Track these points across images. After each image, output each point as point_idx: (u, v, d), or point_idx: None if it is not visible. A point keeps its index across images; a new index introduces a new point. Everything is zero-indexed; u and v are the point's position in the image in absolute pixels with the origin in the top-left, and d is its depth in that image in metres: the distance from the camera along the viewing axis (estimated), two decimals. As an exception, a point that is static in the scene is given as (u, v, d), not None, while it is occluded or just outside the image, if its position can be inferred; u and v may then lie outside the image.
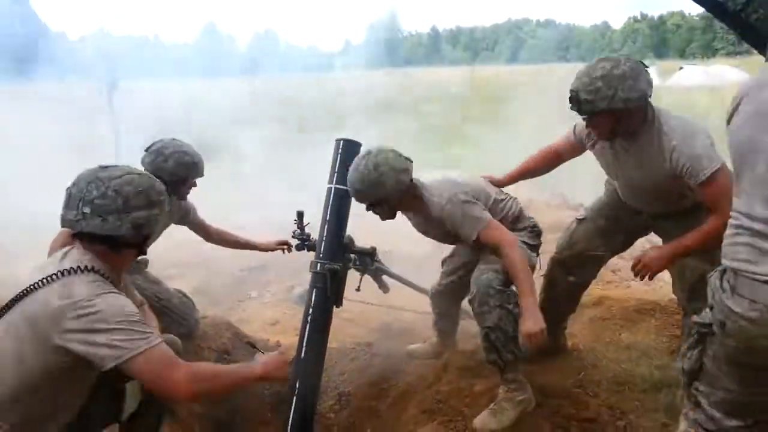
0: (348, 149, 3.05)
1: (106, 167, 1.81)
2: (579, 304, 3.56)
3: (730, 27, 3.03)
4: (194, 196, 3.18)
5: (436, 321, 3.35)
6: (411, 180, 2.66)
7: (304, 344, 2.87)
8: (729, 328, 1.57)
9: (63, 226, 1.82)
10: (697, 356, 1.74)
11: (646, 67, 2.41)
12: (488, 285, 2.56)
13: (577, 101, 2.37)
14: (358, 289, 3.48)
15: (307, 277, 2.99)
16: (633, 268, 2.52)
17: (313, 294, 2.94)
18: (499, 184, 2.99)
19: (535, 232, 2.85)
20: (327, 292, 2.89)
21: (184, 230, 3.37)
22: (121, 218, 1.74)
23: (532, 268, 2.72)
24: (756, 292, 1.47)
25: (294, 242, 3.36)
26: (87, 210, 1.72)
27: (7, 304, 1.71)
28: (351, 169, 2.63)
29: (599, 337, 3.19)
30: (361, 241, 3.24)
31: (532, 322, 2.41)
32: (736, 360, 1.61)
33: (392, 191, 2.59)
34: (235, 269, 4.38)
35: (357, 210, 2.95)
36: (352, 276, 3.21)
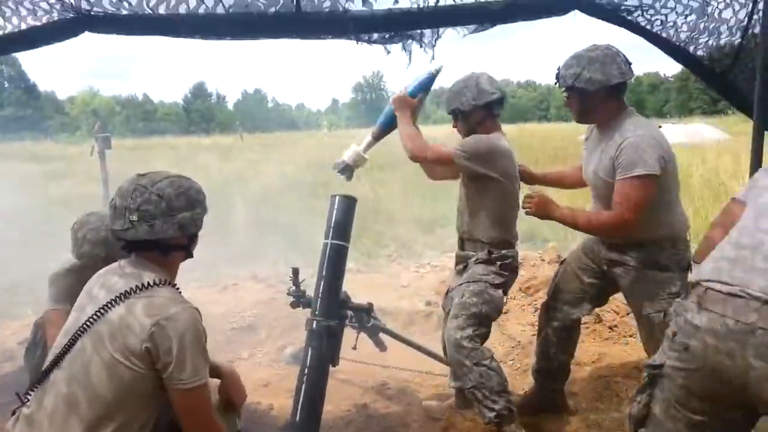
0: (344, 205, 3.05)
1: (144, 174, 1.84)
2: (578, 362, 3.52)
3: (715, 89, 3.12)
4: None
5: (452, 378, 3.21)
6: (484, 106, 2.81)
7: (299, 407, 2.77)
8: (693, 349, 1.58)
9: (113, 237, 1.88)
10: (646, 401, 1.77)
11: (629, 63, 2.51)
12: (457, 344, 2.60)
13: (556, 75, 2.60)
14: (354, 348, 3.39)
15: (299, 335, 2.93)
16: (523, 202, 2.68)
17: (309, 353, 2.85)
18: (532, 177, 3.14)
19: (505, 265, 2.81)
20: (323, 351, 2.82)
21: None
22: (167, 221, 1.78)
23: (498, 312, 2.78)
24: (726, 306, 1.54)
25: (289, 299, 3.28)
26: (134, 218, 1.76)
27: (90, 320, 1.71)
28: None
29: (601, 396, 3.10)
30: (355, 297, 3.20)
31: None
32: (690, 393, 1.63)
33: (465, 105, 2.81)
34: (225, 328, 4.26)
35: (350, 266, 2.93)
36: (348, 334, 3.14)
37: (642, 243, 2.58)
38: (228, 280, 5.02)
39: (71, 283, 2.77)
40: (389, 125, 3.02)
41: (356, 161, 3.03)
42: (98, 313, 1.69)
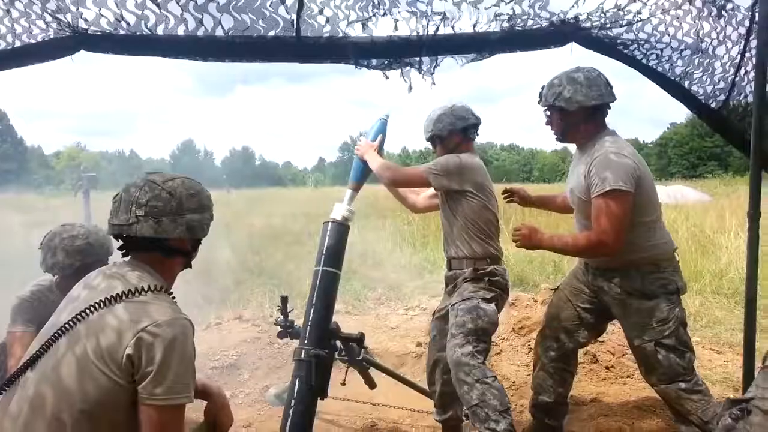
0: (336, 232, 2.98)
1: (155, 172, 1.75)
2: (576, 402, 3.40)
3: (710, 125, 3.15)
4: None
5: (437, 409, 3.07)
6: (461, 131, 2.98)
7: (286, 441, 2.61)
8: None
9: (111, 233, 1.72)
10: None
11: (610, 86, 2.57)
12: (459, 361, 2.58)
13: (539, 94, 2.68)
14: (343, 383, 3.24)
15: (284, 376, 2.79)
16: (512, 235, 2.66)
17: (296, 384, 2.71)
18: (526, 199, 3.21)
19: (494, 281, 2.82)
20: (311, 381, 2.68)
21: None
22: (175, 220, 1.68)
23: (494, 325, 2.75)
24: None
25: (274, 338, 3.16)
26: (141, 213, 1.64)
27: (70, 322, 1.57)
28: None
29: (602, 435, 2.98)
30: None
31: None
32: None
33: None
34: (206, 367, 4.08)
35: (339, 307, 2.83)
36: (336, 372, 3.01)
37: (624, 268, 2.55)
38: (211, 320, 4.85)
39: (35, 306, 2.64)
40: (363, 173, 3.14)
41: (345, 217, 3.02)
42: (79, 316, 1.55)
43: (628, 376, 3.75)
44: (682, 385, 2.49)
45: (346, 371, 3.25)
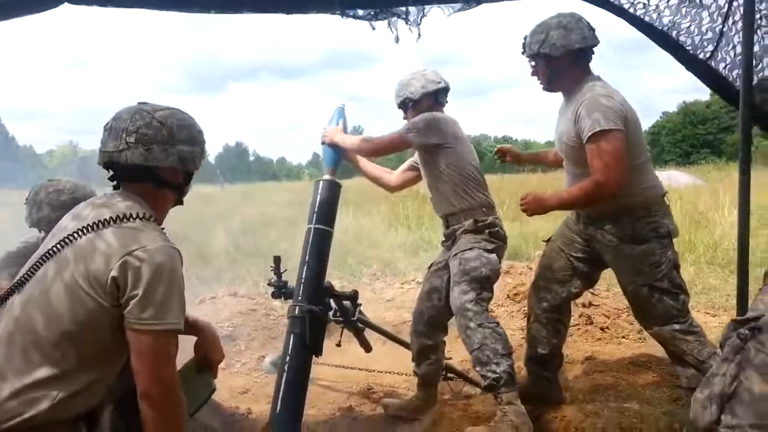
0: (328, 189, 2.97)
1: (146, 102, 1.72)
2: (570, 360, 3.40)
3: (699, 76, 3.13)
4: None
5: (416, 362, 3.08)
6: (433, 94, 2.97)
7: (280, 397, 2.60)
8: None
9: (101, 161, 1.68)
10: (735, 371, 1.35)
11: (592, 29, 2.58)
12: (462, 307, 2.61)
13: (522, 45, 2.66)
14: (338, 345, 3.24)
15: (279, 345, 2.78)
16: (520, 205, 2.60)
17: (291, 341, 2.70)
18: (519, 156, 3.23)
19: (494, 233, 2.82)
20: (306, 337, 2.67)
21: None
22: (166, 149, 1.64)
23: (496, 273, 2.78)
24: None
25: (270, 290, 3.14)
26: (131, 140, 1.61)
27: (58, 244, 1.55)
28: None
29: (597, 388, 2.98)
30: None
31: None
32: None
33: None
34: (201, 338, 4.06)
35: (334, 283, 2.84)
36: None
37: (616, 215, 2.55)
38: (206, 295, 4.83)
39: (20, 261, 2.60)
40: (337, 158, 3.15)
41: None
42: (66, 240, 1.54)
43: (623, 337, 3.76)
44: (677, 326, 2.50)
45: (341, 333, 3.24)
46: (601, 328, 3.83)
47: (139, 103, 1.70)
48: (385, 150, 3.10)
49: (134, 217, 1.57)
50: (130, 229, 1.54)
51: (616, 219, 2.54)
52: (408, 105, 3.01)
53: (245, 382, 3.64)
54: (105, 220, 1.54)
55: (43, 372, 1.44)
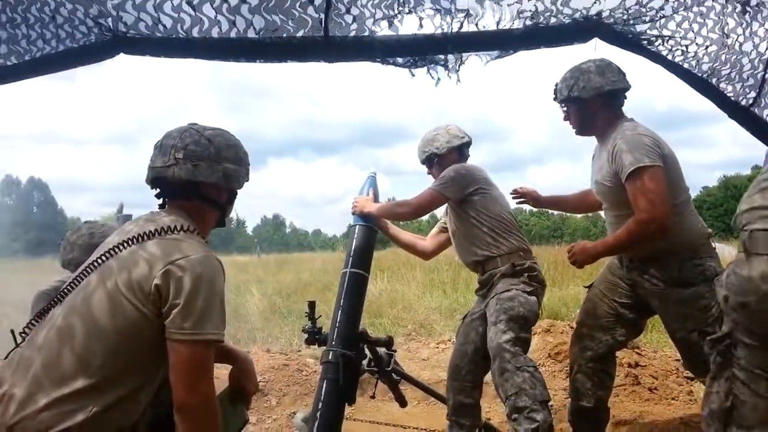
0: (364, 234, 2.96)
1: (196, 123, 1.79)
2: (617, 421, 3.21)
3: (741, 123, 3.09)
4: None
5: (450, 420, 2.94)
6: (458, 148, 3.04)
7: (312, 444, 2.50)
8: (752, 305, 1.36)
9: (148, 179, 1.73)
10: (726, 388, 1.46)
11: (622, 72, 2.64)
12: (500, 348, 2.51)
13: (554, 91, 2.71)
14: (373, 396, 3.14)
15: (312, 402, 2.71)
16: (568, 258, 2.59)
17: (323, 387, 2.63)
18: (538, 200, 3.17)
19: (532, 276, 2.78)
20: (339, 382, 2.59)
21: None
22: (212, 166, 1.69)
23: (535, 315, 2.71)
24: None
25: (303, 344, 3.09)
26: (180, 155, 1.66)
27: (102, 256, 1.57)
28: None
29: (647, 449, 2.78)
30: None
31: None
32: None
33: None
34: (233, 392, 3.98)
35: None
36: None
37: (660, 257, 2.46)
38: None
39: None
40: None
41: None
42: (110, 252, 1.56)
43: (673, 398, 3.55)
44: None
45: (376, 383, 3.14)
46: (649, 389, 3.62)
47: (189, 124, 1.76)
48: (423, 209, 3.03)
49: (178, 229, 1.58)
50: (173, 240, 1.56)
51: (661, 262, 2.45)
52: (433, 160, 3.05)
53: (276, 438, 3.53)
54: (149, 232, 1.57)
55: (80, 383, 1.43)
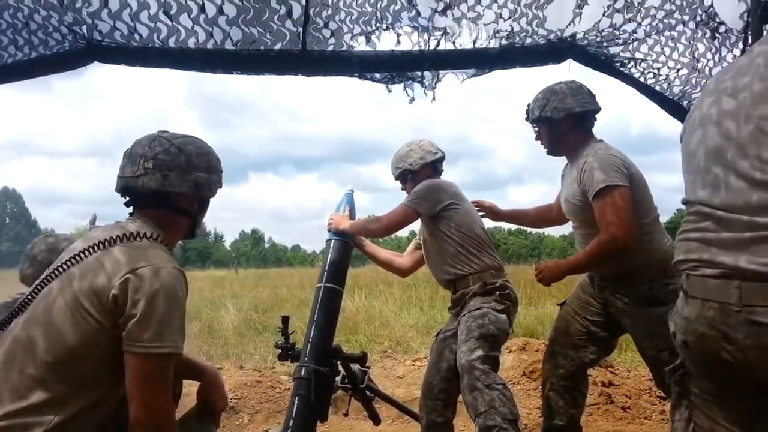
0: (339, 249, 2.94)
1: (166, 131, 1.73)
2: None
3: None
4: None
5: None
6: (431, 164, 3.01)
7: (282, 462, 2.46)
8: (691, 344, 1.38)
9: (118, 187, 1.67)
10: (686, 415, 1.48)
11: (593, 95, 2.69)
12: (470, 367, 2.49)
13: (526, 111, 2.75)
14: (346, 414, 3.10)
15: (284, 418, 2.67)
16: (535, 275, 2.57)
17: (295, 403, 2.59)
18: (497, 213, 3.13)
19: (504, 294, 2.77)
20: (311, 399, 2.55)
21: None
22: (182, 176, 1.63)
23: (505, 333, 2.71)
24: (708, 290, 1.30)
25: (277, 351, 3.04)
26: (149, 165, 1.61)
27: (65, 263, 1.52)
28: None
29: (620, 468, 2.78)
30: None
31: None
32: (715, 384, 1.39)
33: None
34: (204, 409, 3.90)
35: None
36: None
37: (630, 277, 2.48)
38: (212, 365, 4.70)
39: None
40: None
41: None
42: (73, 259, 1.51)
43: (646, 417, 3.56)
44: None
45: (350, 400, 3.11)
46: (623, 408, 3.63)
47: (158, 131, 1.72)
48: (396, 226, 2.99)
49: (142, 236, 1.55)
50: (137, 248, 1.52)
51: (632, 281, 2.47)
52: (407, 176, 3.03)
53: (247, 456, 3.46)
54: (113, 237, 1.53)
55: (39, 395, 1.38)
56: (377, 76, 2.77)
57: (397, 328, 6.94)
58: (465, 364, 2.52)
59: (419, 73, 2.77)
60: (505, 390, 2.45)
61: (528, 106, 2.74)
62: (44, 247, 2.53)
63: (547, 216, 3.04)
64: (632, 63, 2.86)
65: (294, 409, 2.57)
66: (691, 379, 1.46)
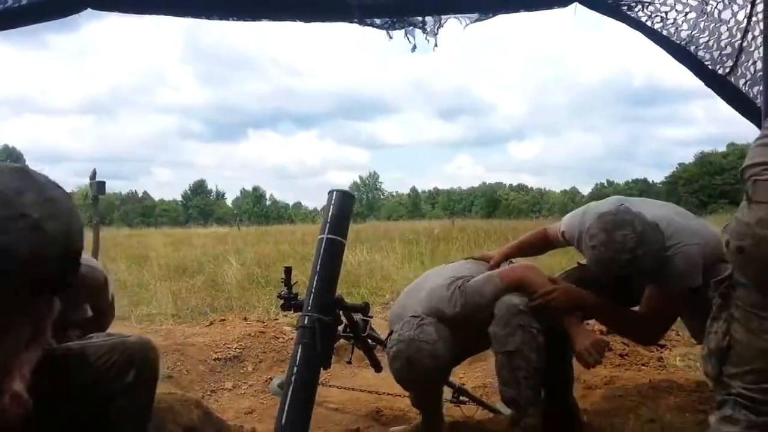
0: (341, 200, 2.93)
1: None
2: (588, 386, 3.27)
3: (717, 92, 3.10)
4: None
5: (417, 397, 2.93)
6: None
7: (286, 407, 2.50)
8: (747, 248, 1.43)
9: None
10: (724, 328, 1.54)
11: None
12: (511, 304, 2.35)
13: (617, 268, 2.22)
14: (349, 362, 3.15)
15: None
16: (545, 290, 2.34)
17: (299, 352, 2.62)
18: (493, 262, 2.80)
19: None
20: (315, 347, 2.59)
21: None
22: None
23: None
24: None
25: (279, 302, 3.07)
26: None
27: None
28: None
29: (617, 412, 2.84)
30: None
31: (581, 336, 2.27)
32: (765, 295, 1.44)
33: None
34: (208, 358, 3.97)
35: None
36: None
37: None
38: (216, 317, 4.77)
39: None
40: None
41: None
42: None
43: (643, 364, 3.63)
44: None
45: (352, 349, 3.16)
46: (620, 355, 3.69)
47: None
48: None
49: None
50: None
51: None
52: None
53: (251, 404, 3.54)
54: None
55: None
56: (377, 21, 2.69)
57: (398, 281, 7.00)
58: (506, 300, 2.41)
59: (420, 18, 2.71)
60: (539, 336, 2.33)
61: (613, 264, 2.22)
62: None
63: (547, 247, 2.90)
64: (639, 6, 2.78)
65: (297, 357, 2.60)
66: (737, 290, 1.52)
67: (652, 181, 78.72)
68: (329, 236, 2.84)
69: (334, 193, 2.95)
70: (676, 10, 2.79)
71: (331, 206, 2.92)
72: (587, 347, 2.25)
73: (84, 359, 1.85)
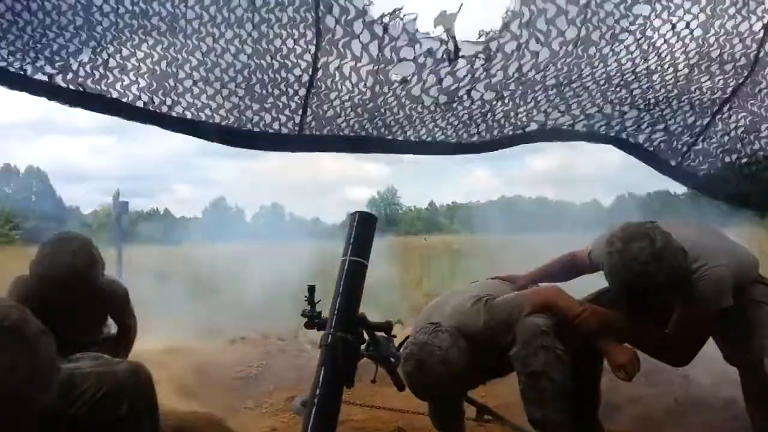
0: (364, 222, 2.96)
1: None
2: (613, 405, 3.23)
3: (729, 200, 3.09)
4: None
5: (435, 413, 2.92)
6: None
7: (310, 426, 2.51)
8: None
9: None
10: None
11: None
12: (534, 325, 2.33)
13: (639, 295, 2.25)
14: (373, 380, 3.16)
15: (309, 386, 2.72)
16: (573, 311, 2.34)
17: (322, 371, 2.63)
18: (520, 284, 2.81)
19: None
20: (337, 365, 2.60)
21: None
22: None
23: None
24: None
25: (302, 321, 3.10)
26: None
27: None
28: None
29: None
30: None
31: (617, 352, 2.28)
32: None
33: None
34: (229, 378, 4.01)
35: None
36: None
37: None
38: (237, 336, 4.82)
39: None
40: None
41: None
42: None
43: (669, 382, 3.57)
44: None
45: (376, 368, 3.16)
46: (645, 373, 3.63)
47: None
48: None
49: None
50: None
51: None
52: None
53: (273, 423, 3.57)
54: None
55: None
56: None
57: (417, 298, 7.00)
58: (528, 322, 2.37)
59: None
60: (564, 355, 2.32)
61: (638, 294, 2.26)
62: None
63: (574, 273, 2.82)
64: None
65: (321, 376, 2.62)
66: None
67: (674, 193, 77.71)
68: (352, 258, 2.86)
69: (357, 215, 2.98)
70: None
71: (354, 227, 2.94)
72: (624, 364, 2.26)
73: (73, 388, 1.69)
